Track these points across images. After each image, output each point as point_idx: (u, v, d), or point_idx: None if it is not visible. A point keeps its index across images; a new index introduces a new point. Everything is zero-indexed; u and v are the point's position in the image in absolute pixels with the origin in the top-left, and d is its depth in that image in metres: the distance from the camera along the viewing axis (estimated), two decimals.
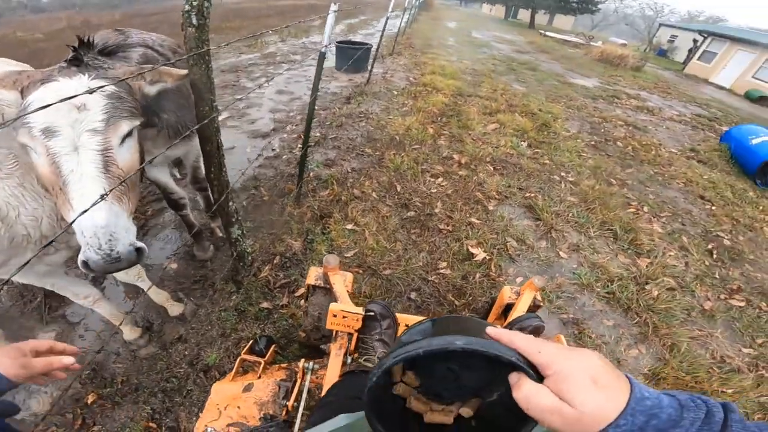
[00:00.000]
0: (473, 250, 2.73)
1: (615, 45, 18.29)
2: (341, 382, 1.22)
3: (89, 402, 1.87)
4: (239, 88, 5.85)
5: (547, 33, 19.41)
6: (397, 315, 1.47)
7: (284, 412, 1.33)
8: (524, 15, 32.29)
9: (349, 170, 3.53)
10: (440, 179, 3.52)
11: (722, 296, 2.84)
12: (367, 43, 7.45)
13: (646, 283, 2.75)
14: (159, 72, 1.26)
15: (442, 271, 2.57)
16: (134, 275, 1.95)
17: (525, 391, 0.42)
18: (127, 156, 1.12)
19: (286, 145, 4.10)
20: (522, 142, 4.51)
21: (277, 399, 1.38)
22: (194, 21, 1.32)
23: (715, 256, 3.24)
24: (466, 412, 0.55)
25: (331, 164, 3.64)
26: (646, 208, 3.74)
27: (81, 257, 0.99)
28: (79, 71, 1.05)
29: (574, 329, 2.37)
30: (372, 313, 1.38)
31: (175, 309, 2.20)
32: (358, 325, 1.37)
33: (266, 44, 9.41)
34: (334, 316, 1.36)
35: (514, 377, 0.44)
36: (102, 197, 0.93)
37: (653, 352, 2.34)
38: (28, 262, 0.82)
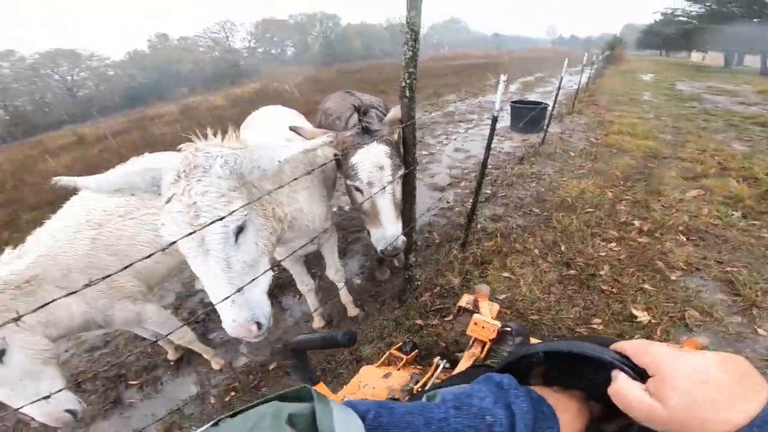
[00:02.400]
0: (637, 313, 2.56)
1: None
2: (467, 371, 1.43)
3: (270, 368, 2.48)
4: (424, 144, 6.87)
5: None
6: (531, 338, 1.55)
7: (406, 399, 1.52)
8: (753, 62, 25.56)
9: (514, 226, 3.77)
10: (613, 244, 3.37)
11: None
12: (542, 103, 7.37)
13: None
14: (394, 121, 1.94)
15: (594, 326, 2.51)
16: (339, 276, 2.61)
17: (617, 384, 0.43)
18: (399, 190, 1.90)
19: (459, 198, 4.65)
20: (734, 212, 3.84)
21: (405, 388, 1.61)
22: (407, 93, 1.91)
23: None
24: None
25: (498, 219, 3.96)
26: None
27: (380, 248, 1.78)
28: (371, 138, 1.74)
29: None
30: (508, 329, 1.52)
31: (352, 310, 2.87)
32: (493, 335, 1.51)
33: (447, 103, 10.55)
34: (475, 324, 1.55)
35: (615, 374, 0.45)
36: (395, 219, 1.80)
37: None
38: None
